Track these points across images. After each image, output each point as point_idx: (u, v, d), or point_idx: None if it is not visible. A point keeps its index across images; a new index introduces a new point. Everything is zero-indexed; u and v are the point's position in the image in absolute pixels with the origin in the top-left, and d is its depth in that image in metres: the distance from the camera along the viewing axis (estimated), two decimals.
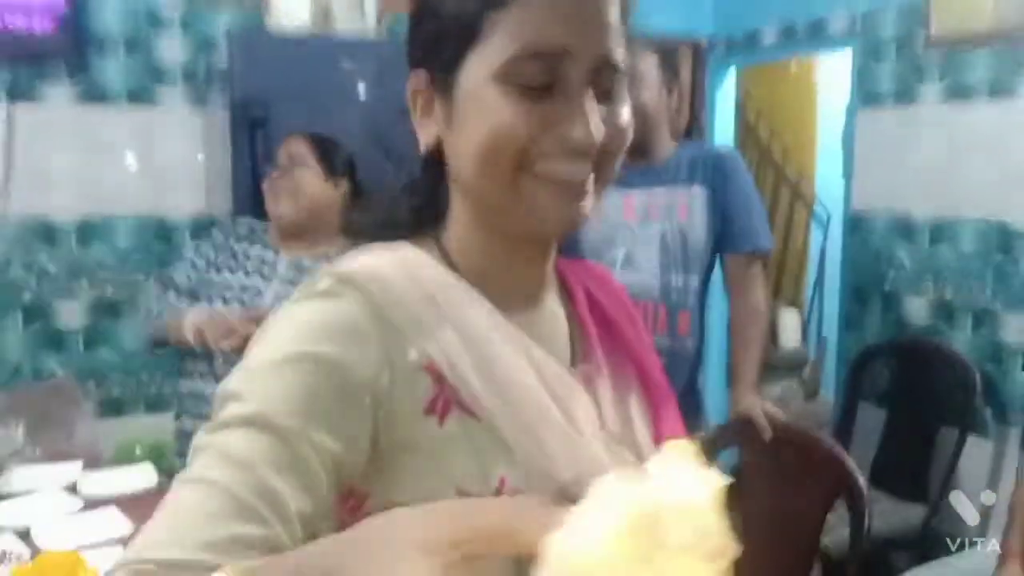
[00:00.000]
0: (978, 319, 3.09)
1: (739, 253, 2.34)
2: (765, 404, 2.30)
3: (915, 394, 3.21)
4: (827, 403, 3.69)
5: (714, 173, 2.31)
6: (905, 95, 3.33)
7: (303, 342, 0.67)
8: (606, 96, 0.72)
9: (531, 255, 0.80)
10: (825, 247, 4.75)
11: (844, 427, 3.36)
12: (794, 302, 4.88)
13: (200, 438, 0.64)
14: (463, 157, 0.73)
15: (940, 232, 3.22)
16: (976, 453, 2.97)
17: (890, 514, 2.93)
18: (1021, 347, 2.95)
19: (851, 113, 3.62)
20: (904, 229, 3.35)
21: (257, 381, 0.66)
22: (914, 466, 3.06)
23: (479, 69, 0.70)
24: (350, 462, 0.66)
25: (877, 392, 3.35)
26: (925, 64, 3.24)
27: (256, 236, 2.25)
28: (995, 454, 2.96)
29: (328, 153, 2.22)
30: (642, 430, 0.84)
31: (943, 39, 3.16)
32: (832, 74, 4.38)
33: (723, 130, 4.24)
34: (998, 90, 3.00)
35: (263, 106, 2.94)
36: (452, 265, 0.77)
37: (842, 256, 3.72)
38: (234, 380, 0.67)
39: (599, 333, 0.86)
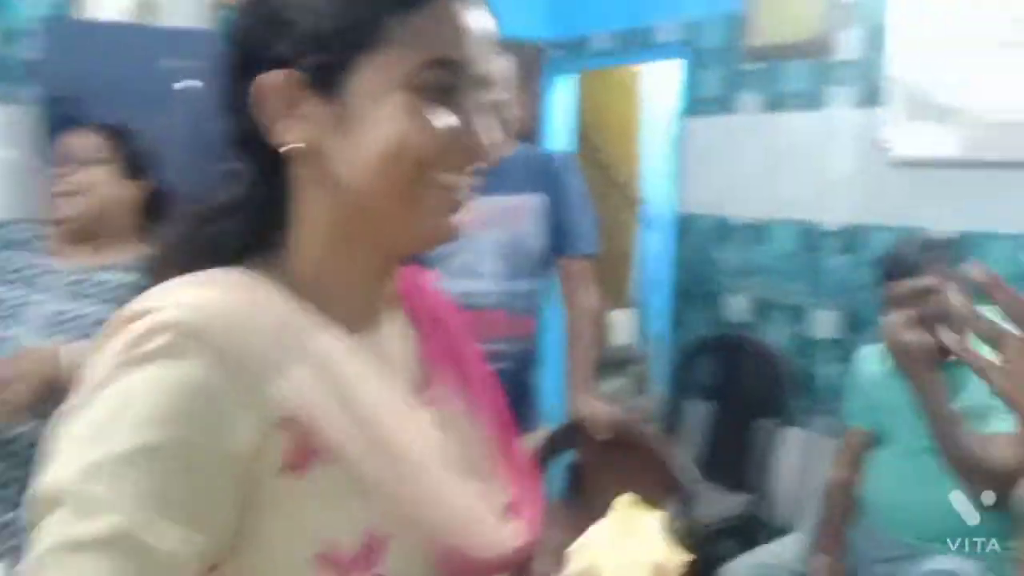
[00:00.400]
0: (792, 315, 3.28)
1: (572, 256, 2.39)
2: (599, 403, 2.36)
3: (736, 388, 3.37)
4: (658, 399, 3.83)
5: (550, 178, 2.35)
6: (727, 104, 3.49)
7: (152, 426, 0.59)
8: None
9: (388, 270, 0.78)
10: (653, 248, 4.92)
11: (673, 421, 3.50)
12: (626, 301, 5.04)
13: (43, 555, 0.56)
14: (357, 162, 0.69)
15: (758, 234, 3.40)
16: (791, 443, 3.15)
17: (718, 504, 3.07)
18: (829, 341, 3.15)
19: (679, 120, 3.77)
20: (726, 231, 3.52)
21: (103, 483, 0.57)
22: (736, 457, 3.21)
23: (380, 73, 0.68)
24: (220, 544, 0.62)
25: (703, 387, 3.49)
26: (745, 75, 3.41)
27: (29, 241, 1.91)
28: (807, 444, 3.14)
29: (125, 147, 1.91)
30: (485, 449, 0.82)
31: (761, 51, 3.33)
32: (659, 81, 4.54)
33: (558, 133, 4.32)
34: (810, 100, 3.19)
35: (77, 102, 2.75)
36: (295, 290, 0.71)
37: (670, 257, 3.87)
38: (69, 476, 0.58)
39: (438, 348, 0.84)
